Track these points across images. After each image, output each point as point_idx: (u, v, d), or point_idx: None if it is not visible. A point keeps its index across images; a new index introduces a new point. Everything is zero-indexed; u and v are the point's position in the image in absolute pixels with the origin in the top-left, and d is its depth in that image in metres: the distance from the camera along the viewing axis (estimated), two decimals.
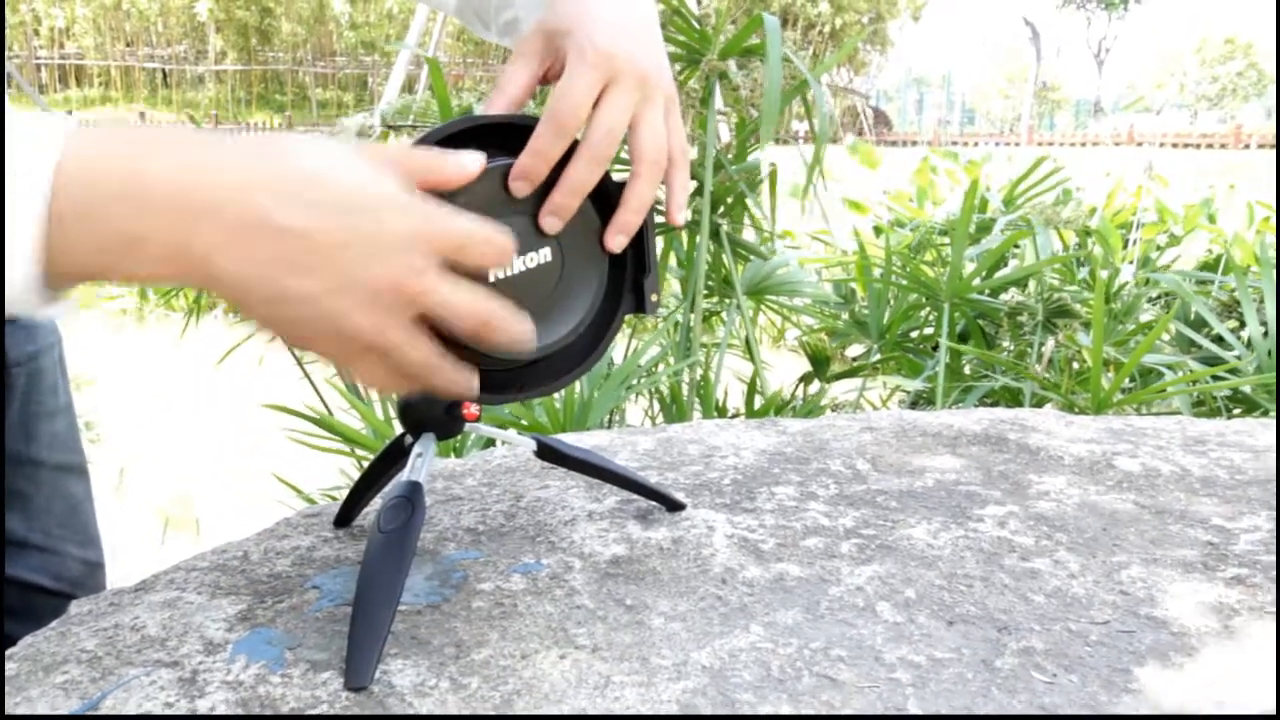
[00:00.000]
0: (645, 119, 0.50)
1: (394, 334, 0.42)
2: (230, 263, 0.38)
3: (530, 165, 0.48)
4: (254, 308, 0.40)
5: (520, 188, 0.48)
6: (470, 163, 0.45)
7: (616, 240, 0.51)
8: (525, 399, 0.54)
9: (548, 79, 0.52)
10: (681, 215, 0.54)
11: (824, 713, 0.44)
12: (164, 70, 19.11)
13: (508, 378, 0.52)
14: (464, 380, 0.46)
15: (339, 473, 1.61)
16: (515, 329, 0.46)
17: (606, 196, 0.52)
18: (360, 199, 0.40)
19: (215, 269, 0.39)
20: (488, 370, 0.51)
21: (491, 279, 0.48)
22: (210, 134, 0.40)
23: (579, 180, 0.49)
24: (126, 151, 0.38)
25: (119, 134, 0.39)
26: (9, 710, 0.44)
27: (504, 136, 0.49)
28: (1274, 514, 0.66)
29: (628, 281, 0.55)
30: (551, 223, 0.49)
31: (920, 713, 0.44)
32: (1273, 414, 1.52)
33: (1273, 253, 1.87)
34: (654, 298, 0.55)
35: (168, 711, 0.44)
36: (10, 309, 0.38)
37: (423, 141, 0.47)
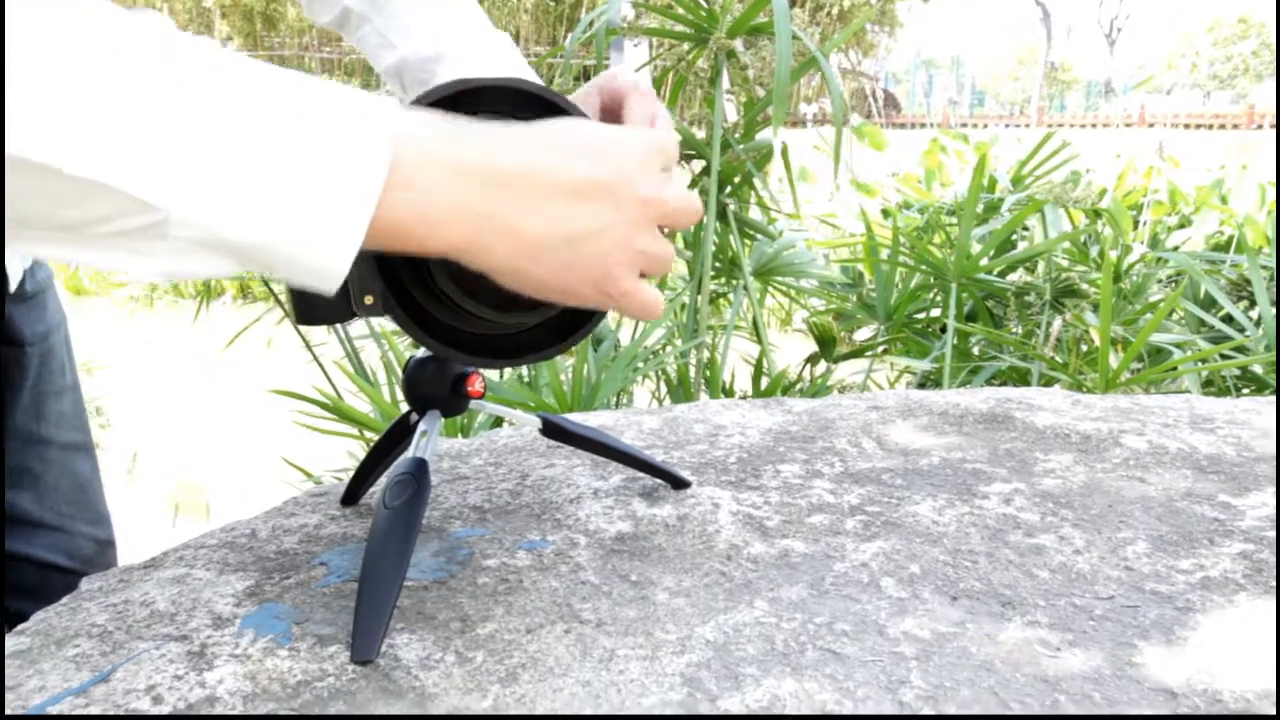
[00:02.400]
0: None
1: (660, 242, 0.47)
2: (539, 218, 0.42)
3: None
4: (552, 254, 0.43)
5: None
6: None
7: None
8: (527, 363, 0.54)
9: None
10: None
11: (828, 687, 0.44)
12: None
13: (510, 342, 0.52)
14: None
15: (347, 455, 1.62)
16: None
17: None
18: (619, 145, 0.46)
19: (525, 226, 0.42)
20: (491, 335, 0.51)
21: None
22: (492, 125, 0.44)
23: None
24: (448, 131, 0.41)
25: (431, 117, 0.42)
26: (24, 682, 0.45)
27: (498, 100, 0.49)
28: None
29: None
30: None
31: (923, 685, 0.44)
32: None
33: None
34: None
35: (177, 684, 0.44)
36: (306, 276, 0.38)
37: (419, 102, 0.47)
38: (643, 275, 0.47)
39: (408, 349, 1.50)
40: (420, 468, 0.53)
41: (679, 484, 0.66)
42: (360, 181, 0.37)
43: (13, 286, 0.72)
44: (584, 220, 0.44)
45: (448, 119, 0.42)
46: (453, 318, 0.50)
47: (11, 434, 0.74)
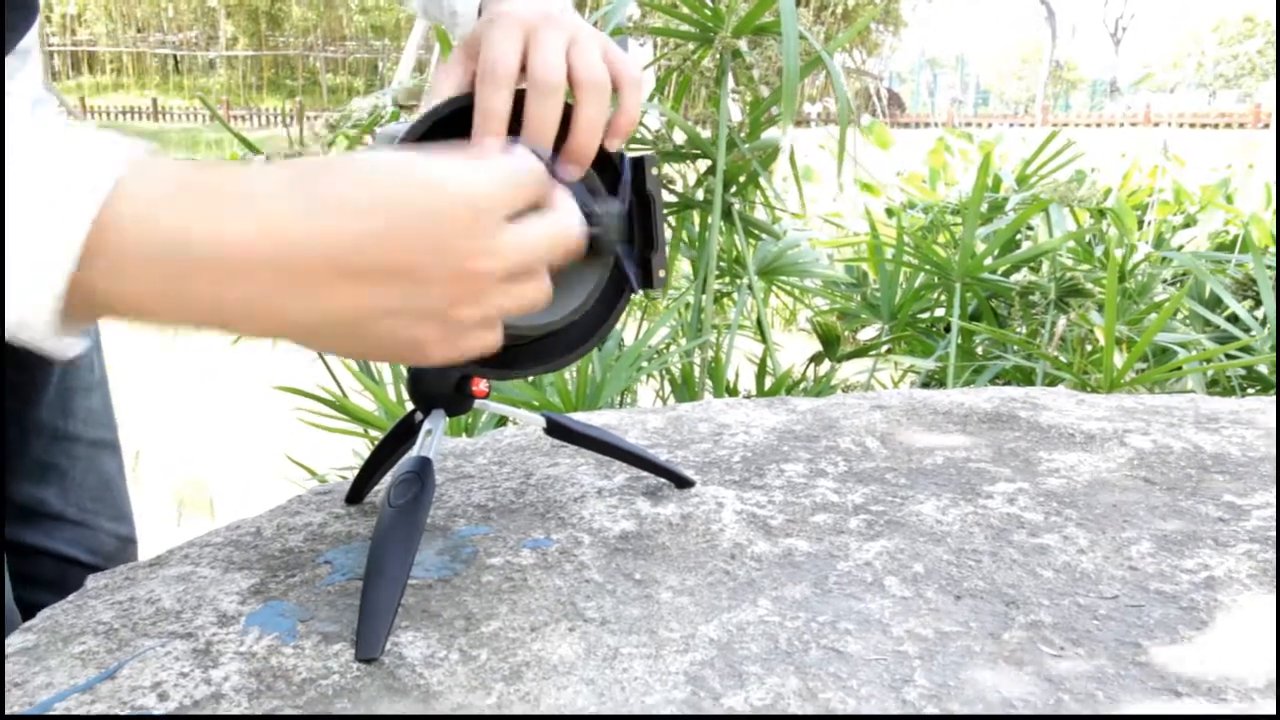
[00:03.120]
0: (576, 50, 0.50)
1: (500, 299, 0.39)
2: (301, 304, 0.35)
3: (479, 123, 0.48)
4: (332, 339, 0.38)
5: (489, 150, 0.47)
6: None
7: (568, 170, 0.50)
8: (534, 374, 0.54)
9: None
10: (618, 141, 0.52)
11: (831, 685, 0.44)
12: (175, 56, 19.13)
13: (516, 353, 0.53)
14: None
15: (351, 453, 1.62)
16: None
17: (612, 170, 0.52)
18: (440, 201, 0.37)
19: (285, 311, 0.35)
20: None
21: None
22: (255, 172, 0.36)
23: (536, 117, 0.49)
24: (186, 205, 0.34)
25: (176, 175, 0.35)
26: (30, 678, 0.45)
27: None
28: None
29: (636, 257, 0.55)
30: (569, 171, 0.50)
31: (926, 684, 0.44)
32: None
33: None
34: (660, 274, 0.55)
35: (182, 681, 0.44)
36: (16, 332, 0.34)
37: (423, 123, 0.48)
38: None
39: None
40: (425, 467, 0.53)
41: (683, 483, 0.66)
42: (56, 240, 0.32)
43: None
44: (370, 303, 0.36)
45: (202, 173, 0.35)
46: None
47: (37, 429, 0.75)
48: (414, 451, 0.55)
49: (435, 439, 0.55)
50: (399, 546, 0.49)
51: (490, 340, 0.41)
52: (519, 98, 0.49)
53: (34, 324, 0.33)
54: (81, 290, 0.33)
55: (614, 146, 0.53)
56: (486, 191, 0.38)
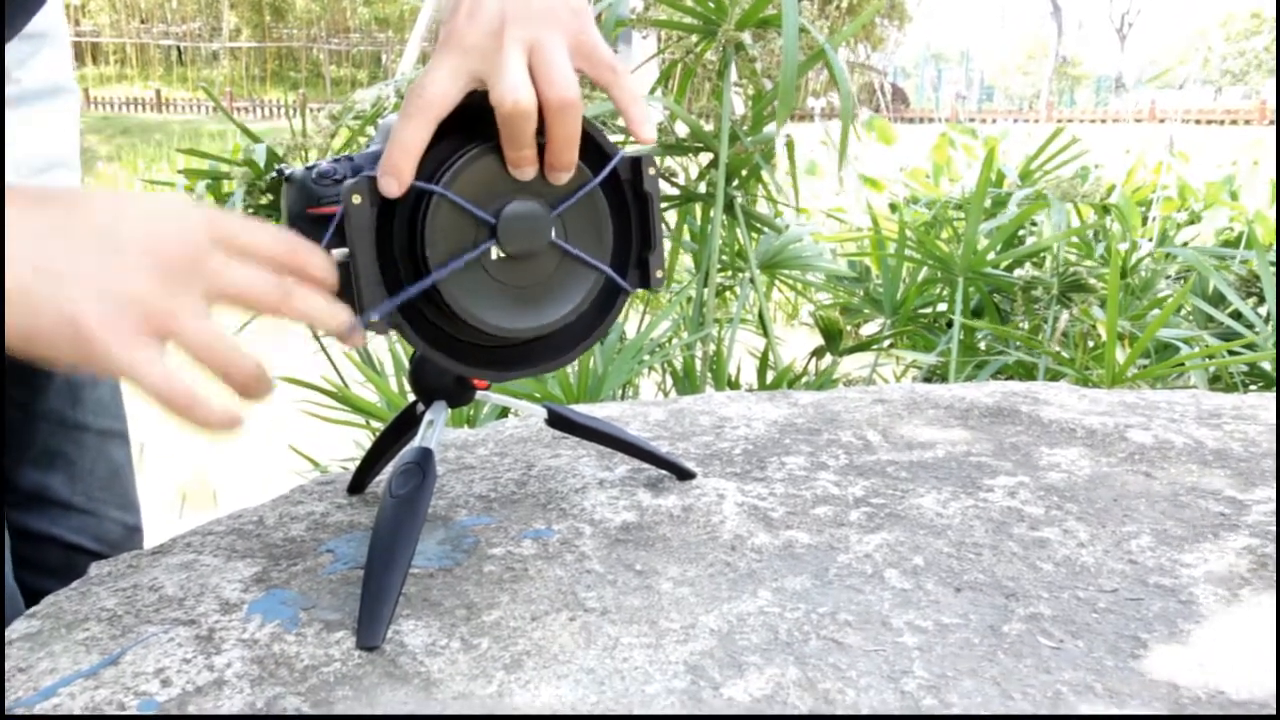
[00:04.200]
0: (539, 60, 0.47)
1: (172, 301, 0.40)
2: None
3: (389, 158, 0.46)
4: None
5: (387, 184, 0.46)
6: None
7: (556, 176, 0.49)
8: (532, 375, 0.54)
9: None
10: (646, 129, 0.50)
11: (830, 676, 0.44)
12: (179, 48, 19.12)
13: (514, 353, 0.53)
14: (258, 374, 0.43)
15: (354, 444, 1.62)
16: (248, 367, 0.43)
17: (612, 179, 0.52)
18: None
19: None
20: (494, 346, 0.52)
21: (495, 257, 0.49)
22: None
23: (507, 141, 0.47)
24: None
25: None
26: (35, 664, 0.45)
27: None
28: None
29: (633, 257, 0.54)
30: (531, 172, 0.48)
31: (925, 676, 0.44)
32: None
33: None
34: (658, 274, 0.55)
35: (185, 667, 0.44)
36: None
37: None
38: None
39: None
40: (426, 457, 0.53)
41: (684, 475, 0.67)
42: None
43: None
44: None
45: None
46: (459, 331, 0.50)
47: (45, 416, 0.76)
48: (416, 442, 0.55)
49: (437, 430, 0.56)
50: (400, 536, 0.50)
51: (147, 355, 0.39)
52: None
53: None
54: None
55: (560, 180, 0.50)
56: (204, 215, 0.41)
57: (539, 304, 0.51)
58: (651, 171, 0.53)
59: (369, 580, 0.48)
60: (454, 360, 0.51)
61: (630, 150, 0.53)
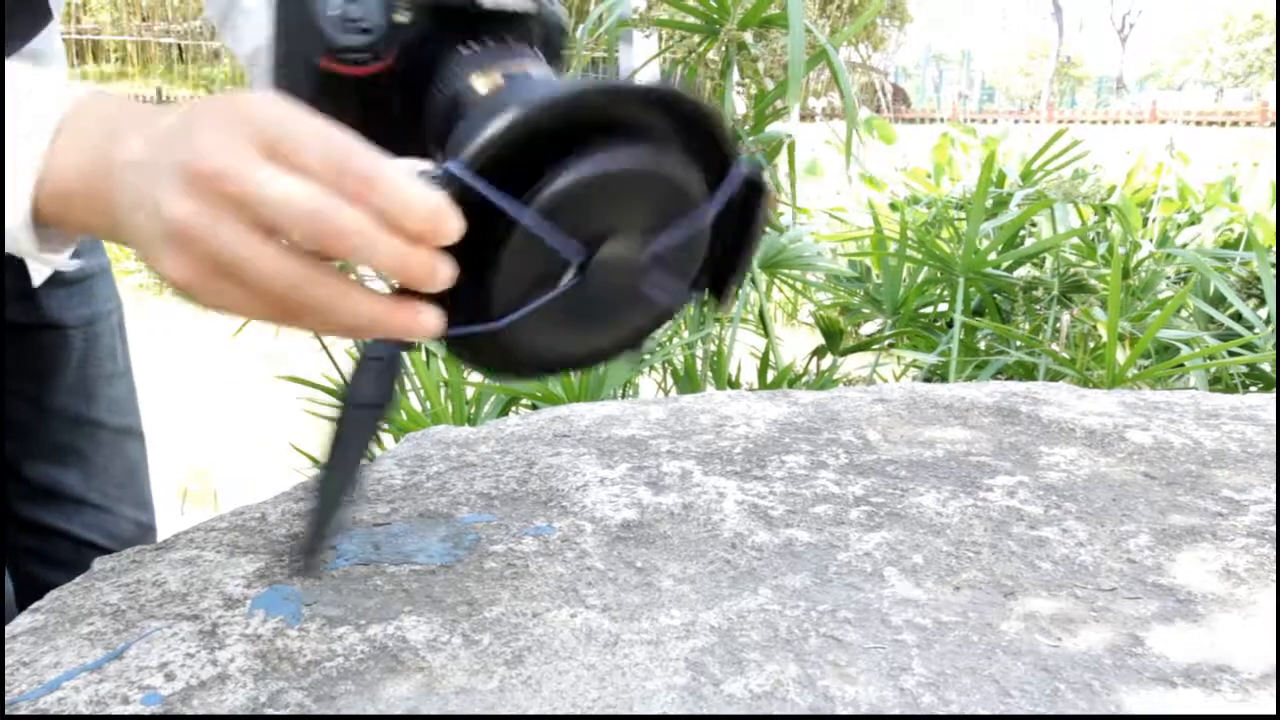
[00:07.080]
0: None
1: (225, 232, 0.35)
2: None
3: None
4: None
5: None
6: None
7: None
8: (554, 377, 0.53)
9: None
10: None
11: (830, 673, 0.44)
12: (180, 46, 19.13)
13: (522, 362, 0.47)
14: (408, 317, 0.37)
15: None
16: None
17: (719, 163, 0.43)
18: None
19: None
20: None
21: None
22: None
23: None
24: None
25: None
26: (39, 658, 0.45)
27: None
28: None
29: (711, 274, 0.47)
30: None
31: (924, 673, 0.44)
32: None
33: None
34: (733, 293, 0.48)
35: (189, 661, 0.45)
36: (12, 248, 0.41)
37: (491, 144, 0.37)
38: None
39: None
40: (397, 357, 0.43)
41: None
42: (26, 144, 0.40)
43: (41, 278, 0.73)
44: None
45: (123, 109, 0.41)
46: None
47: (57, 414, 0.76)
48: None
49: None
50: (354, 455, 0.43)
51: (178, 265, 0.36)
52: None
53: (21, 240, 0.41)
54: (45, 207, 0.41)
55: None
56: (273, 108, 0.35)
57: (602, 325, 0.44)
58: (763, 207, 0.45)
59: (318, 504, 0.44)
60: (477, 363, 0.46)
61: (746, 165, 0.43)
